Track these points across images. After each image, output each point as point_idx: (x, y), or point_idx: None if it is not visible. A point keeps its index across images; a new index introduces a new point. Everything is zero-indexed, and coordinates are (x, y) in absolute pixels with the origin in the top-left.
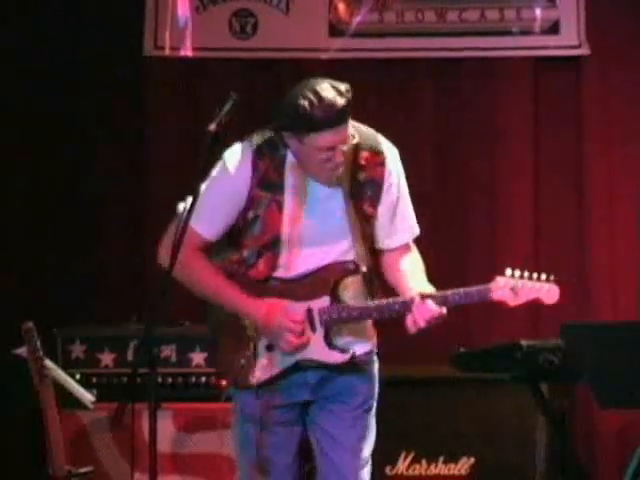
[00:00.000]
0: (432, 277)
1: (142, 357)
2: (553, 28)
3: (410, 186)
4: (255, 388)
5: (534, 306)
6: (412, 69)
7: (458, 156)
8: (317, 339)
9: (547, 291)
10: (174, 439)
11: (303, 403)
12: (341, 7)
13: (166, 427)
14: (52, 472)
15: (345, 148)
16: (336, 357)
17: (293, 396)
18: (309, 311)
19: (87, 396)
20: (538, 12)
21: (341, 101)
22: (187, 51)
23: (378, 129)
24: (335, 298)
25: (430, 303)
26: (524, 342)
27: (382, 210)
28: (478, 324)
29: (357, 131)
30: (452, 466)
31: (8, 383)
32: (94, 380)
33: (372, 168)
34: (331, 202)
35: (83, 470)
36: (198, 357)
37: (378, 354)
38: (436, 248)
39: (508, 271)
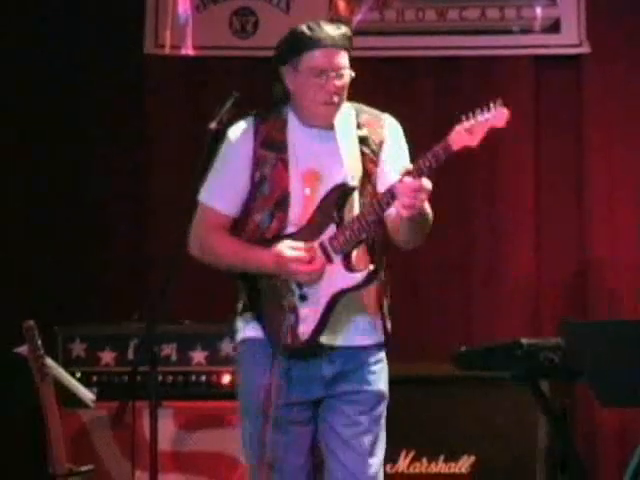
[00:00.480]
0: (432, 276)
1: (143, 355)
2: (553, 27)
3: None
4: (305, 350)
5: (534, 305)
6: (412, 68)
7: (458, 155)
8: (336, 268)
9: (496, 116)
10: (175, 437)
11: (316, 401)
12: (341, 5)
13: (167, 425)
14: (53, 470)
15: (341, 83)
16: (357, 277)
17: (308, 392)
18: (322, 245)
19: (88, 395)
20: (538, 11)
21: (338, 29)
22: (188, 50)
23: None
24: (340, 222)
25: (407, 179)
26: (524, 340)
27: (381, 169)
28: (478, 323)
29: (358, 105)
30: (453, 464)
31: (9, 381)
32: (95, 379)
33: (372, 129)
34: (334, 157)
35: (84, 468)
36: (199, 355)
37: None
38: (436, 248)
39: (462, 117)
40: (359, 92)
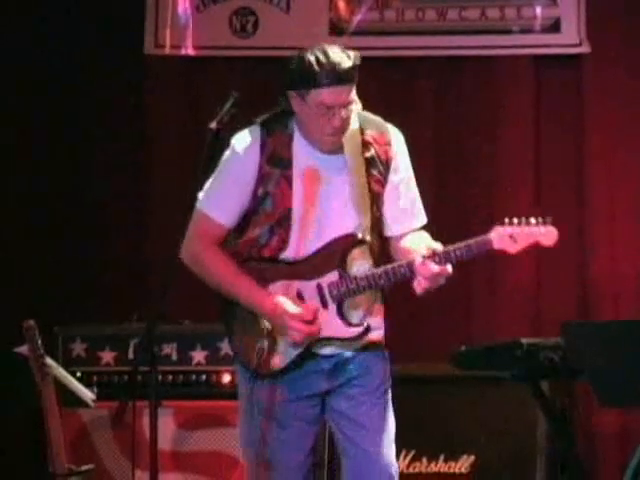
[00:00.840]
0: None
1: (143, 355)
2: (554, 26)
3: None
4: (273, 376)
5: (534, 304)
6: (412, 68)
7: (458, 154)
8: (330, 315)
9: (545, 233)
10: (175, 437)
11: (322, 396)
12: (341, 5)
13: (167, 425)
14: (53, 470)
15: (346, 114)
16: (350, 331)
17: (310, 387)
18: (319, 287)
19: (88, 394)
20: (538, 10)
21: (347, 62)
22: (188, 49)
23: None
24: (343, 271)
25: (429, 262)
26: (525, 340)
27: (388, 191)
28: (479, 322)
29: (363, 115)
30: (452, 464)
31: (9, 381)
32: (95, 378)
33: (378, 147)
34: (339, 177)
35: (84, 468)
36: (199, 355)
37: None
38: None
39: (506, 220)
40: (359, 92)
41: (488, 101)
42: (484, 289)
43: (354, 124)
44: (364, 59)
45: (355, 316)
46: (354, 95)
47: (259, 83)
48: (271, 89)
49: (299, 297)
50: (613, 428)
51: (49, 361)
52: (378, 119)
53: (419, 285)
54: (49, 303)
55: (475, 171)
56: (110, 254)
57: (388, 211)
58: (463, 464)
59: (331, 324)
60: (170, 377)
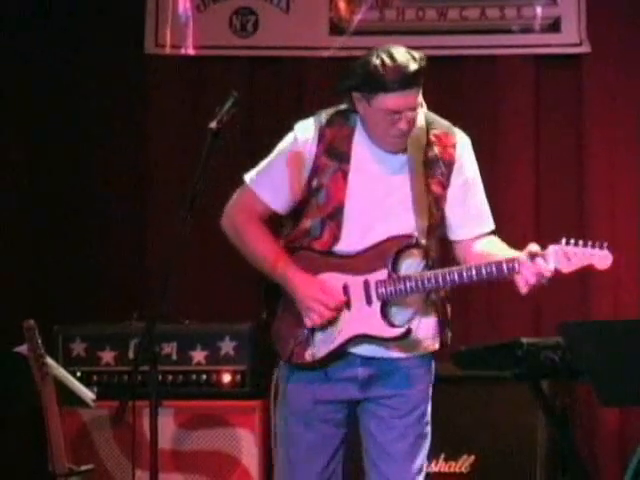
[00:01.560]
0: None
1: (143, 355)
2: (554, 26)
3: None
4: (307, 369)
5: (534, 304)
6: None
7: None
8: (372, 313)
9: (600, 257)
10: (175, 437)
11: (352, 403)
12: (342, 5)
13: (167, 425)
14: (53, 470)
15: (412, 116)
16: (390, 331)
17: (342, 392)
18: (366, 284)
19: (88, 394)
20: (539, 10)
21: (413, 65)
22: (188, 49)
23: None
24: (393, 271)
25: (531, 261)
26: (525, 340)
27: (452, 193)
28: (479, 322)
29: (430, 115)
30: (453, 464)
31: (9, 381)
32: (95, 378)
33: (443, 148)
34: (398, 176)
35: (84, 468)
36: (199, 355)
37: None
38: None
39: (563, 240)
40: None
41: (488, 100)
42: (484, 288)
43: (419, 123)
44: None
45: (399, 318)
46: (420, 97)
47: (259, 83)
48: (271, 89)
49: (345, 291)
50: (613, 427)
51: (49, 361)
52: (445, 121)
53: (526, 283)
54: (49, 303)
55: None
56: (110, 254)
57: (452, 214)
58: (463, 464)
59: (371, 322)
60: (170, 377)
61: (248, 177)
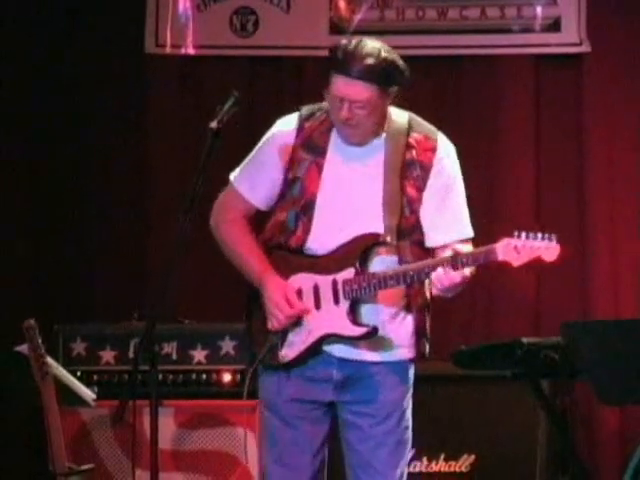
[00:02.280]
0: None
1: (143, 354)
2: (554, 26)
3: None
4: (280, 369)
5: (534, 303)
6: (412, 67)
7: (458, 154)
8: (340, 312)
9: (547, 249)
10: (175, 436)
11: (328, 404)
12: (342, 5)
13: (167, 424)
14: (53, 469)
15: (356, 108)
16: (353, 329)
17: (316, 392)
18: (334, 283)
19: (88, 393)
20: (539, 10)
21: (371, 59)
22: (188, 49)
23: None
24: (360, 269)
25: (440, 270)
26: (525, 339)
27: (428, 196)
28: (479, 322)
29: (414, 118)
30: (453, 463)
31: (9, 380)
32: (95, 377)
33: (421, 151)
34: (372, 175)
35: (84, 467)
36: (199, 354)
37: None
38: None
39: (515, 233)
40: None
41: (488, 100)
42: (484, 288)
43: (401, 123)
44: None
45: (368, 318)
46: (373, 95)
47: (259, 82)
48: (271, 89)
49: (315, 291)
50: (613, 427)
51: (49, 360)
52: (429, 126)
53: (436, 289)
54: (49, 302)
55: (475, 170)
56: (110, 253)
57: (427, 219)
58: (463, 463)
59: (338, 321)
60: (170, 376)
61: (232, 175)
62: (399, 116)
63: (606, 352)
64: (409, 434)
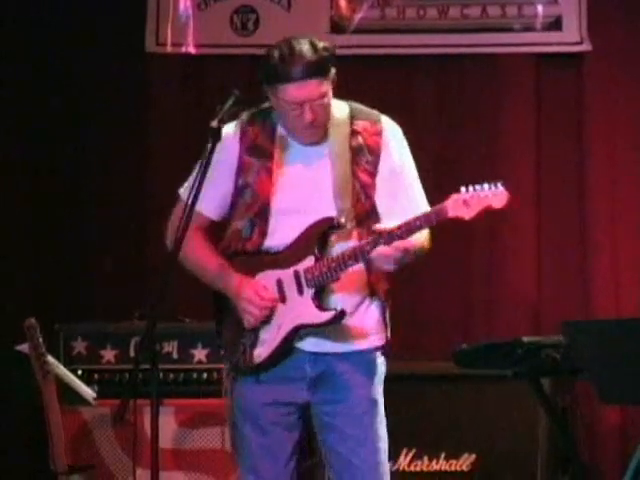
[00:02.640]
0: (432, 279)
1: (144, 353)
2: (555, 24)
3: None
4: (254, 372)
5: (535, 302)
6: (413, 66)
7: (458, 153)
8: (305, 301)
9: (495, 196)
10: (176, 435)
11: (303, 406)
12: (343, 4)
13: (168, 423)
14: (54, 468)
15: (318, 105)
16: (322, 316)
17: (291, 394)
18: (296, 274)
19: (89, 392)
20: (540, 8)
21: (312, 55)
22: (189, 48)
23: None
24: (321, 256)
25: (378, 247)
26: (525, 338)
27: (380, 181)
28: (479, 321)
29: (355, 106)
30: (454, 462)
31: (10, 379)
32: (96, 376)
33: (368, 136)
34: (321, 167)
35: (85, 466)
36: (200, 353)
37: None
38: (436, 247)
39: (462, 188)
40: (360, 89)
41: (489, 99)
42: (485, 287)
43: (343, 113)
44: (365, 57)
45: (333, 302)
46: (326, 87)
47: (260, 81)
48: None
49: (279, 285)
50: (614, 426)
51: (50, 359)
52: (372, 110)
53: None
54: (50, 301)
55: (475, 169)
56: (111, 252)
57: (382, 204)
58: (464, 462)
59: (305, 311)
60: (171, 375)
61: (181, 190)
62: (339, 106)
63: (607, 351)
64: (385, 428)
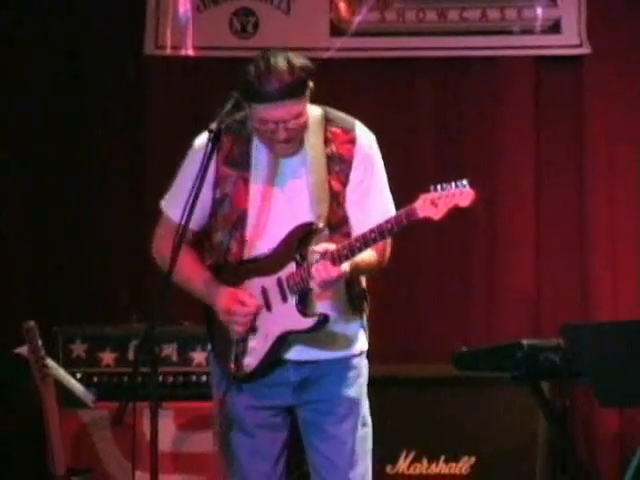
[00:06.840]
0: (433, 279)
1: (143, 356)
2: (554, 27)
3: (409, 185)
4: (248, 381)
5: (534, 305)
6: (413, 68)
7: (458, 155)
8: (289, 308)
9: (462, 194)
10: (175, 438)
11: (287, 408)
12: (342, 6)
13: (167, 426)
14: (53, 471)
15: (293, 125)
16: (306, 322)
17: (275, 398)
18: (279, 281)
19: (88, 395)
20: (539, 11)
21: (288, 77)
22: (188, 50)
23: (378, 129)
24: (302, 261)
25: (321, 265)
26: (525, 341)
27: (350, 191)
28: (479, 323)
29: (331, 112)
30: (453, 465)
31: (9, 382)
32: (95, 379)
33: (340, 144)
34: (297, 175)
35: (84, 469)
36: (199, 356)
37: (372, 355)
38: (436, 251)
39: (431, 187)
40: (359, 92)
41: (488, 102)
42: (484, 290)
43: (316, 118)
44: (364, 60)
45: (315, 307)
46: (301, 107)
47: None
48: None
49: (264, 293)
50: (613, 429)
51: (49, 362)
52: (347, 117)
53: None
54: (49, 304)
55: (475, 172)
56: (110, 254)
57: (352, 215)
58: (464, 465)
59: (289, 317)
60: (170, 378)
61: (162, 202)
62: (313, 111)
63: (606, 354)
64: (369, 431)
